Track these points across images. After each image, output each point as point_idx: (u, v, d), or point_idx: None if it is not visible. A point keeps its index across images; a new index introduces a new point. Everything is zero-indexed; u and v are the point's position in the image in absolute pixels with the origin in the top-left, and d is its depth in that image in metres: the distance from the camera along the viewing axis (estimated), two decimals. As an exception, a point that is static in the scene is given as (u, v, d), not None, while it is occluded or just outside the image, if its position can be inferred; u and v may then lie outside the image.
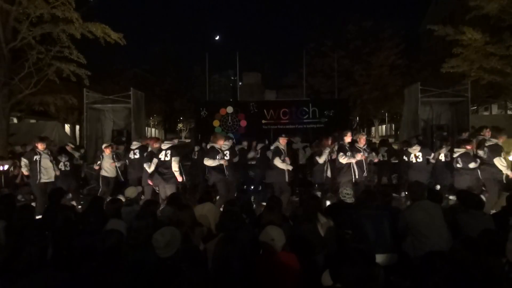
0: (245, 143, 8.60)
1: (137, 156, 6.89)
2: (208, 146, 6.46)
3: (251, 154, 8.08)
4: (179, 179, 5.84)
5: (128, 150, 7.44)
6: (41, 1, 8.36)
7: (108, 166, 7.00)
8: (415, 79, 15.65)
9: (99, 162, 7.00)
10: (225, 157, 6.17)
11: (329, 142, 6.68)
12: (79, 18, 8.74)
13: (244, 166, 7.93)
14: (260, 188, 7.98)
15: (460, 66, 11.24)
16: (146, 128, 23.51)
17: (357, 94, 22.68)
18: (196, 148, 8.25)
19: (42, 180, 6.12)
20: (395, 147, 9.37)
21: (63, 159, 6.69)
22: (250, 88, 17.92)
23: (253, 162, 8.06)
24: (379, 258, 2.89)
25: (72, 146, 8.37)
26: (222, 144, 6.22)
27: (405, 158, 6.81)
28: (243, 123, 11.52)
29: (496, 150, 5.53)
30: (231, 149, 6.52)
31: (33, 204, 5.99)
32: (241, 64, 14.18)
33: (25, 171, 6.26)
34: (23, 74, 8.98)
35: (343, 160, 5.71)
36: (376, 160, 7.38)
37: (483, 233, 2.62)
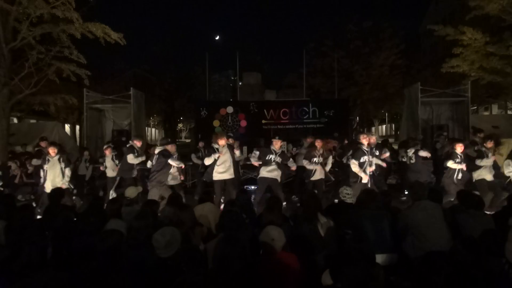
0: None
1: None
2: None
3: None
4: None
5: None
6: (41, 1, 8.36)
7: (110, 166, 7.04)
8: (415, 79, 15.66)
9: (104, 164, 7.16)
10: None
11: (320, 144, 6.48)
12: (79, 18, 8.74)
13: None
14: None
15: (460, 66, 11.24)
16: (146, 128, 23.51)
17: (357, 94, 22.67)
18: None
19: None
20: (395, 147, 9.38)
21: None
22: (250, 88, 17.88)
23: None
24: (379, 258, 2.89)
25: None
26: (224, 143, 6.12)
27: (403, 159, 6.84)
28: (243, 123, 11.52)
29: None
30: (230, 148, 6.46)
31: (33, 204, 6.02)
32: (241, 64, 14.18)
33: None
34: (23, 74, 8.98)
35: (354, 168, 5.65)
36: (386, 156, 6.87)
37: (483, 233, 2.62)
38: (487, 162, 5.87)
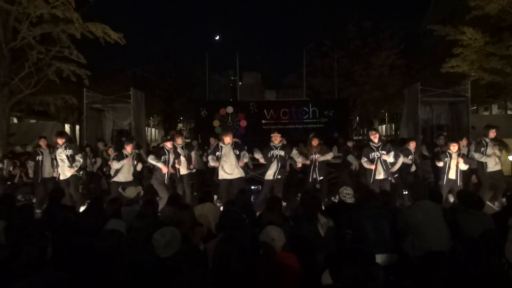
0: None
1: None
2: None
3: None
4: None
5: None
6: (41, 1, 8.37)
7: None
8: (415, 79, 15.64)
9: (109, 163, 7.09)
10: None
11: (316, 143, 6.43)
12: (79, 18, 8.75)
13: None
14: (260, 187, 7.98)
15: (460, 66, 11.24)
16: (146, 128, 23.49)
17: (357, 94, 22.65)
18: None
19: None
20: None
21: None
22: (250, 88, 17.94)
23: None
24: (379, 258, 2.89)
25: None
26: (229, 141, 5.94)
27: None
28: (243, 123, 11.52)
29: None
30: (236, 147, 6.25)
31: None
32: (241, 64, 14.20)
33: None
34: (23, 74, 8.99)
35: (365, 165, 5.71)
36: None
37: (483, 233, 2.62)
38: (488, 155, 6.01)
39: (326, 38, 22.96)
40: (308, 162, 6.36)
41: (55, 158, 6.13)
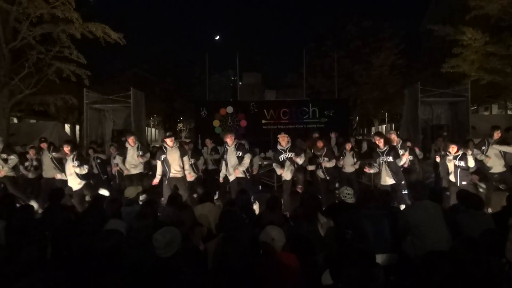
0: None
1: None
2: None
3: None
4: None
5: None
6: (41, 1, 8.38)
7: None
8: (415, 79, 15.64)
9: (115, 162, 7.11)
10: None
11: (321, 144, 6.40)
12: (79, 18, 8.76)
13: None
14: (260, 188, 8.00)
15: (460, 66, 11.25)
16: (146, 128, 23.48)
17: (357, 94, 22.67)
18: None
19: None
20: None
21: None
22: (250, 88, 17.89)
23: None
24: (379, 258, 2.89)
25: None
26: (230, 142, 5.91)
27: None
28: (243, 123, 11.52)
29: None
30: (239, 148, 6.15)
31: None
32: (241, 64, 14.18)
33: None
34: (23, 74, 8.98)
35: (371, 171, 5.77)
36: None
37: (483, 233, 2.62)
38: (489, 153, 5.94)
39: (326, 38, 22.98)
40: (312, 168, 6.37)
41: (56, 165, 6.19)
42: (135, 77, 24.36)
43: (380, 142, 5.47)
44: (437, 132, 8.85)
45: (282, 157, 5.87)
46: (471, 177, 5.77)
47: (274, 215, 3.28)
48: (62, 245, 2.82)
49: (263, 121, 11.52)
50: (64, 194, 4.81)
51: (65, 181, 6.06)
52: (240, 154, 5.83)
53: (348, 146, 6.96)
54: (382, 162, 5.48)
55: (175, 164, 5.70)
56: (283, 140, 5.91)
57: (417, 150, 7.00)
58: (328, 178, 6.39)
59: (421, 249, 2.91)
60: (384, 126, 39.73)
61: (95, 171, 7.38)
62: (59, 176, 6.34)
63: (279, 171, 5.91)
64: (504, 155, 6.01)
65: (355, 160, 6.82)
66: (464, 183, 5.42)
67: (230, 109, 11.61)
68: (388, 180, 5.46)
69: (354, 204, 3.87)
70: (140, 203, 4.67)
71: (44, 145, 6.75)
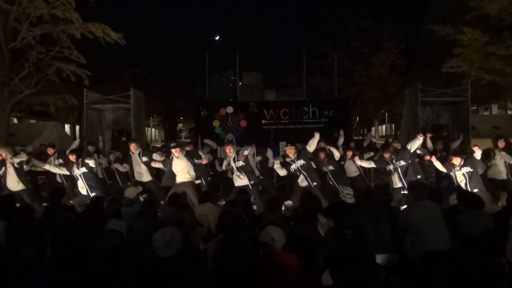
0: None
1: None
2: None
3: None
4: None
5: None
6: (41, 1, 8.37)
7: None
8: (415, 79, 15.64)
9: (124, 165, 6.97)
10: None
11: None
12: (79, 18, 8.75)
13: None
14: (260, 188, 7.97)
15: (460, 66, 11.23)
16: (146, 128, 23.48)
17: (357, 94, 22.65)
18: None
19: None
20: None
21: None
22: (250, 88, 17.87)
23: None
24: (379, 258, 2.89)
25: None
26: (229, 153, 5.97)
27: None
28: (243, 123, 11.50)
29: None
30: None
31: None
32: (241, 64, 14.15)
33: None
34: (23, 74, 8.98)
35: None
36: None
37: (483, 233, 2.62)
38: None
39: (326, 38, 22.97)
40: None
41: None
42: (135, 77, 24.35)
43: (387, 155, 5.60)
44: (437, 132, 8.84)
45: (292, 167, 5.85)
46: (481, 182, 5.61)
47: (274, 215, 3.28)
48: (62, 245, 2.82)
49: (263, 121, 11.49)
50: (64, 194, 4.81)
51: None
52: (240, 164, 5.87)
53: (349, 154, 6.92)
54: (393, 168, 5.54)
55: (184, 172, 5.85)
56: (290, 152, 5.88)
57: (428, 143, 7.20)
58: (337, 186, 6.20)
59: (421, 249, 2.91)
60: (384, 126, 39.77)
61: (100, 175, 7.09)
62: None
63: (281, 172, 5.94)
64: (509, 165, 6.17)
65: (357, 163, 6.68)
66: (475, 190, 5.18)
67: (230, 109, 11.59)
68: (397, 185, 5.50)
69: (354, 204, 3.87)
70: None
71: (51, 151, 6.78)
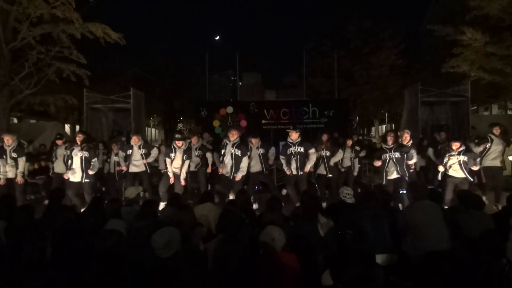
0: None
1: None
2: None
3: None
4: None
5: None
6: (41, 1, 8.37)
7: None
8: (415, 79, 15.64)
9: (116, 160, 7.15)
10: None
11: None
12: (79, 18, 8.74)
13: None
14: (260, 187, 7.97)
15: (460, 66, 11.22)
16: (146, 128, 23.48)
17: (357, 94, 22.67)
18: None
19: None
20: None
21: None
22: (250, 88, 17.94)
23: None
24: (379, 258, 2.89)
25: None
26: (232, 139, 5.91)
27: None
28: (243, 123, 11.51)
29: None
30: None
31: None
32: (241, 64, 14.17)
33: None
34: (23, 74, 8.97)
35: (376, 164, 5.91)
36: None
37: (483, 233, 2.62)
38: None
39: (326, 38, 22.99)
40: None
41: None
42: (135, 77, 24.35)
43: (391, 139, 5.71)
44: (437, 132, 8.84)
45: (290, 150, 5.84)
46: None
47: (274, 215, 3.28)
48: (62, 245, 2.82)
49: (263, 121, 11.51)
50: (64, 194, 4.81)
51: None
52: (238, 152, 5.79)
53: (349, 142, 7.07)
54: (388, 158, 5.64)
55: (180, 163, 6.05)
56: (293, 135, 5.92)
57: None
58: (330, 176, 6.51)
59: (421, 249, 2.91)
60: (384, 126, 39.75)
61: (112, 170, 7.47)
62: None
63: (286, 168, 5.94)
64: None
65: (353, 155, 6.96)
66: (471, 179, 5.59)
67: (230, 109, 11.60)
68: (392, 174, 5.64)
69: (354, 204, 3.87)
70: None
71: (60, 142, 6.86)
